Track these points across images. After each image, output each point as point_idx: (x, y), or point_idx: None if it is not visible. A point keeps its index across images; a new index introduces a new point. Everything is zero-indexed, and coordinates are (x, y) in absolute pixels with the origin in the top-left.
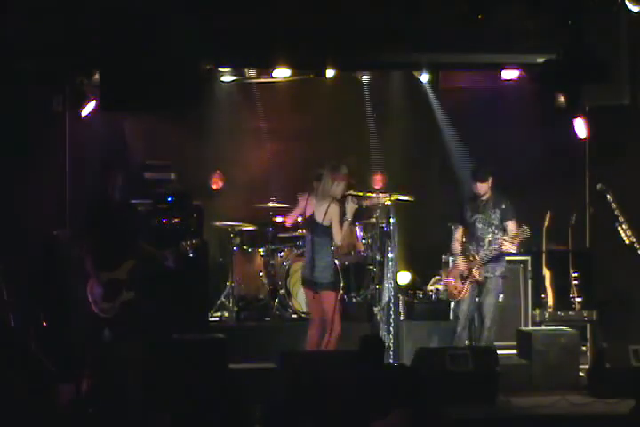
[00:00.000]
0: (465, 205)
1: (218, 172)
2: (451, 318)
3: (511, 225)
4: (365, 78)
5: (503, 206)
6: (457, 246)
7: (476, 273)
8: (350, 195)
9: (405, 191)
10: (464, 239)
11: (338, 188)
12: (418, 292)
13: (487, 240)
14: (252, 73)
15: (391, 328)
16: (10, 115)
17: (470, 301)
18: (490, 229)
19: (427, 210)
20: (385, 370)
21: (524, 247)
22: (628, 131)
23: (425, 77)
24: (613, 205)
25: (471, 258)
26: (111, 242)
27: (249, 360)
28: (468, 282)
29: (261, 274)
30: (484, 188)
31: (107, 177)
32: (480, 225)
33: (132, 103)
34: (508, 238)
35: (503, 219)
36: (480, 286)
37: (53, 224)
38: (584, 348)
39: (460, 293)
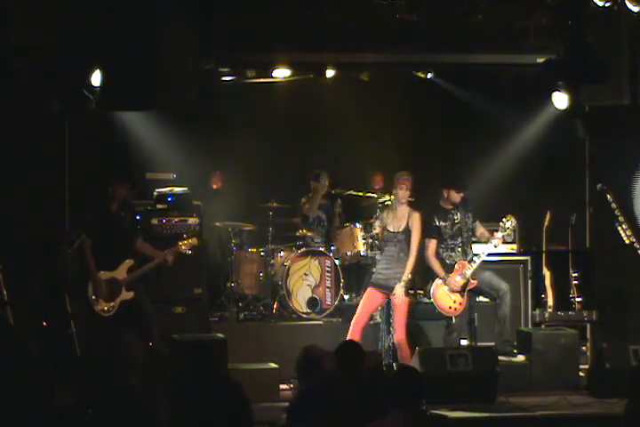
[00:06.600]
0: (435, 216)
1: (218, 172)
2: (453, 321)
3: (479, 225)
4: (365, 78)
5: (471, 208)
6: (437, 266)
7: (473, 282)
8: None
9: None
10: (439, 250)
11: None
12: (418, 292)
13: (470, 245)
14: (252, 73)
15: (391, 328)
16: (10, 115)
17: (469, 305)
18: (469, 233)
19: (427, 210)
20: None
21: (524, 247)
22: (628, 131)
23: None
24: (613, 205)
25: (462, 268)
26: (111, 242)
27: (249, 360)
28: (466, 292)
29: (261, 274)
30: (460, 197)
31: (106, 180)
32: (465, 234)
33: (132, 103)
34: (499, 237)
35: (474, 221)
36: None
37: (53, 225)
38: (584, 348)
39: (461, 305)
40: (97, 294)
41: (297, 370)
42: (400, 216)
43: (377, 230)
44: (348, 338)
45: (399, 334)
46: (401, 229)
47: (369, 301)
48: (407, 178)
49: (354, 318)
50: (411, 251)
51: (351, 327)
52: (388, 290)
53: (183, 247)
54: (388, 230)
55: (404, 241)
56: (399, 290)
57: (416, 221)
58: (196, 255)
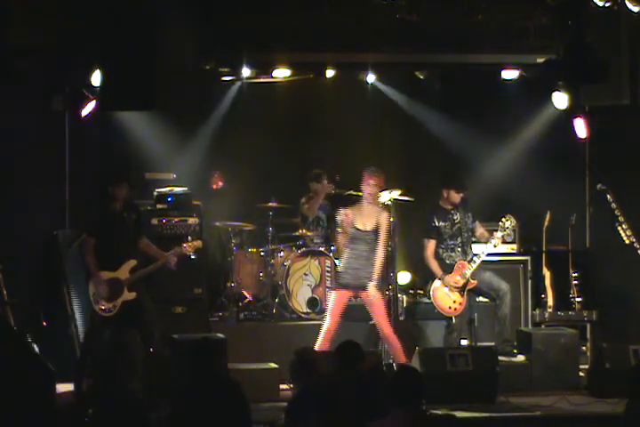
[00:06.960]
0: (435, 216)
1: (218, 172)
2: (453, 321)
3: (479, 225)
4: (365, 78)
5: (471, 208)
6: (436, 266)
7: (473, 282)
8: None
9: (405, 191)
10: (439, 250)
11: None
12: (418, 292)
13: (470, 245)
14: (252, 73)
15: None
16: (10, 115)
17: (469, 305)
18: (469, 234)
19: (426, 210)
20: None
21: (524, 247)
22: (628, 131)
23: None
24: (613, 205)
25: (461, 268)
26: (111, 242)
27: (249, 360)
28: (466, 292)
29: (261, 274)
30: (460, 197)
31: (106, 180)
32: (465, 234)
33: (132, 103)
34: (499, 236)
35: (474, 221)
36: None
37: (53, 224)
38: (584, 348)
39: (461, 305)
40: (98, 293)
41: (292, 373)
42: (367, 214)
43: (341, 217)
44: (316, 348)
45: (385, 329)
46: (372, 229)
47: (338, 305)
48: (376, 174)
49: (324, 327)
50: (377, 250)
51: (322, 336)
52: (359, 289)
53: (188, 249)
54: (357, 228)
55: (375, 241)
56: (373, 289)
57: (384, 221)
58: (197, 255)
